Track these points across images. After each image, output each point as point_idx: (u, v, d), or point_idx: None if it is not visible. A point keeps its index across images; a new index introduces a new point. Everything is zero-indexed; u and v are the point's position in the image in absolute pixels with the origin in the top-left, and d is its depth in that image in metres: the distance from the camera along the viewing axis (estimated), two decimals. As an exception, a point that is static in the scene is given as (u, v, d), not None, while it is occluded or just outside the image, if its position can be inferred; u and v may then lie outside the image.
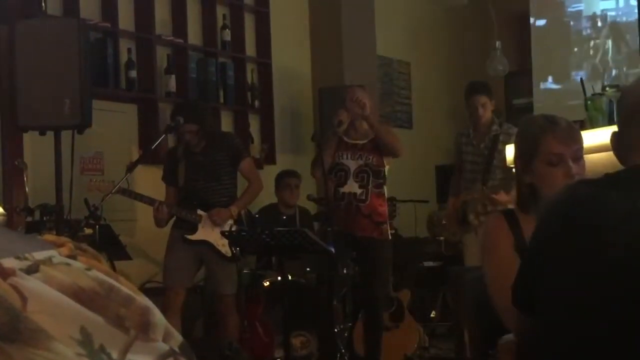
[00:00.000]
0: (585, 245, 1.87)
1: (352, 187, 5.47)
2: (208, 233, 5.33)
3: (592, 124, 3.86)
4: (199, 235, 5.34)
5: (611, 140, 2.07)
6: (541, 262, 1.99)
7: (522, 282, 2.11)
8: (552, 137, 2.54)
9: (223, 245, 5.31)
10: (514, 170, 2.76)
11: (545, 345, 1.98)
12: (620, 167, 2.02)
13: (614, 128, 3.74)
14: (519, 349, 2.37)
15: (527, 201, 2.61)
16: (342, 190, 5.49)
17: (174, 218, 5.44)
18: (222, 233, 5.14)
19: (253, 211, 6.49)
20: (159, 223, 5.34)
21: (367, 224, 5.43)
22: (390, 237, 5.58)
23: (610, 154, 2.97)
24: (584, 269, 1.87)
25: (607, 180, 1.95)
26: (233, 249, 5.29)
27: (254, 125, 7.33)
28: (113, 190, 5.08)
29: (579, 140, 2.59)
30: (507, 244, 2.59)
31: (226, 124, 7.03)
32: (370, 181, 5.47)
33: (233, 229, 5.30)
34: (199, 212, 5.34)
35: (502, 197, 5.71)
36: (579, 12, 8.79)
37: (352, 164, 5.51)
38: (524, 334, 2.25)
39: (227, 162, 5.43)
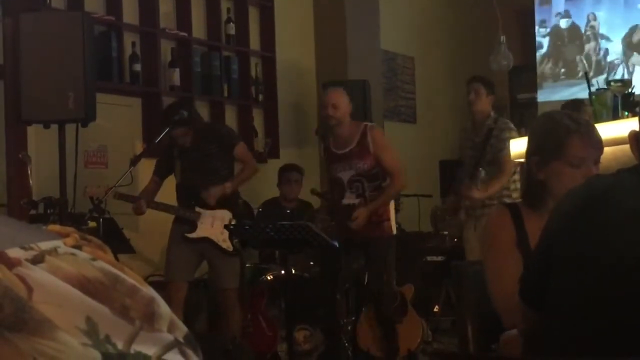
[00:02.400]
0: (597, 241, 1.87)
1: (349, 198, 5.35)
2: (208, 229, 5.34)
3: (597, 118, 3.85)
4: (198, 233, 5.34)
5: (630, 137, 2.05)
6: (551, 257, 1.99)
7: (530, 276, 2.11)
8: (579, 139, 2.49)
9: (224, 241, 5.32)
10: (523, 165, 2.72)
11: (553, 339, 1.98)
12: (623, 162, 2.02)
13: (619, 123, 3.74)
14: (523, 343, 2.37)
15: (536, 198, 2.58)
16: (343, 202, 5.38)
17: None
18: (226, 227, 5.14)
19: (256, 205, 6.50)
20: (138, 212, 5.37)
21: (366, 226, 5.33)
22: (393, 233, 5.52)
23: (615, 148, 2.97)
24: (595, 265, 1.87)
25: (621, 177, 1.94)
26: (234, 242, 5.30)
27: (257, 120, 7.33)
28: (107, 192, 5.10)
29: (602, 144, 2.55)
30: (508, 238, 2.57)
31: (230, 118, 7.04)
32: (366, 188, 5.35)
33: (233, 222, 5.31)
34: (197, 209, 5.35)
35: (474, 193, 5.71)
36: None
37: (344, 176, 5.37)
38: (529, 329, 2.25)
39: (219, 153, 5.41)
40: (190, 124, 5.30)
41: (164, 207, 5.39)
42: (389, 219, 5.48)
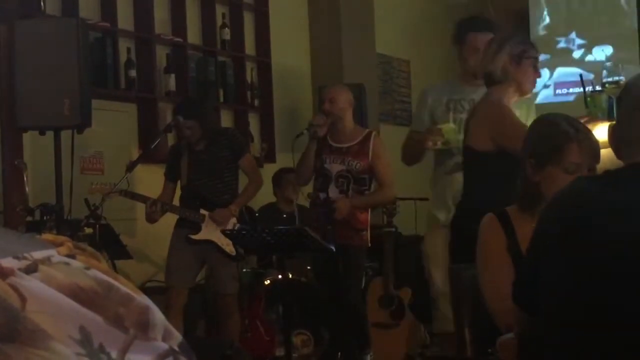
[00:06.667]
0: (585, 242, 1.87)
1: (332, 192, 5.26)
2: (211, 232, 5.32)
3: (592, 120, 3.86)
4: (202, 235, 5.33)
5: (609, 133, 2.06)
6: (541, 260, 1.99)
7: (523, 280, 2.11)
8: (577, 146, 2.50)
9: (227, 245, 5.29)
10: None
11: (547, 343, 1.98)
12: (618, 163, 2.02)
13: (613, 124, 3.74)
14: (519, 347, 2.38)
15: (532, 200, 2.59)
16: (322, 195, 5.27)
17: (176, 217, 5.43)
18: (224, 232, 5.13)
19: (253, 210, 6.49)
20: (150, 219, 5.32)
21: (345, 230, 5.20)
22: (369, 245, 5.41)
23: (610, 150, 2.97)
24: (583, 266, 1.87)
25: (607, 178, 1.94)
26: (238, 248, 5.28)
27: (253, 124, 7.33)
28: (113, 190, 5.08)
29: (599, 152, 2.55)
30: (499, 244, 2.59)
31: (226, 123, 7.03)
32: (350, 187, 5.28)
33: (236, 227, 5.29)
34: (202, 211, 5.33)
35: None
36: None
37: (333, 168, 5.31)
38: (524, 332, 2.25)
39: (229, 158, 5.41)
40: (199, 118, 5.27)
41: (169, 208, 5.36)
42: (367, 230, 5.40)
